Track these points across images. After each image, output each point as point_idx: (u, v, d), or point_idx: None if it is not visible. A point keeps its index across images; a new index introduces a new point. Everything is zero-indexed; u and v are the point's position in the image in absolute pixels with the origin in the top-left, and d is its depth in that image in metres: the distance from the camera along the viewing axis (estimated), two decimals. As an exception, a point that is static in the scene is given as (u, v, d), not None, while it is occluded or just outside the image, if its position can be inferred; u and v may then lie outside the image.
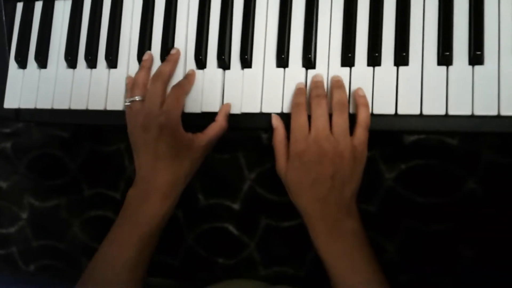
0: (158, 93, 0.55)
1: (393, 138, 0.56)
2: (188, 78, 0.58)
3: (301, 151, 0.49)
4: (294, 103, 0.52)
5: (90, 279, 0.52)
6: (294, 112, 0.52)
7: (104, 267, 0.52)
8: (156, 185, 0.53)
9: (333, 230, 0.48)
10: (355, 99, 0.51)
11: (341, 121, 0.50)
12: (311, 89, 0.53)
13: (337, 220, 0.48)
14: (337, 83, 0.52)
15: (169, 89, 0.57)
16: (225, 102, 0.57)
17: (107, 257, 0.53)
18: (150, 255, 0.54)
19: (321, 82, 0.53)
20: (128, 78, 0.60)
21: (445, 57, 0.50)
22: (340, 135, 0.49)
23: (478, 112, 0.49)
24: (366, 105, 0.51)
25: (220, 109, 0.57)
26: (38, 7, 0.67)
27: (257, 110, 0.56)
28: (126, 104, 0.56)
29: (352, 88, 0.53)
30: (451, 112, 0.50)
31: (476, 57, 0.49)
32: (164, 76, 0.56)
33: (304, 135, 0.50)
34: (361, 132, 0.50)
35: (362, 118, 0.50)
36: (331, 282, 0.49)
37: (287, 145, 0.52)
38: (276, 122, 0.53)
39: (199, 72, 0.59)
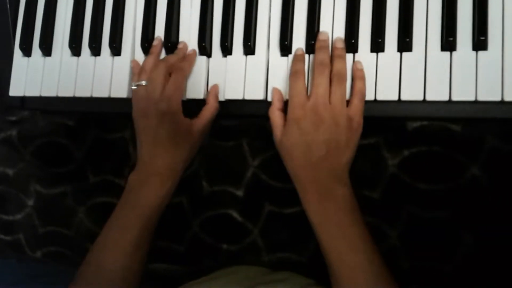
0: (160, 79, 0.55)
1: (397, 124, 0.55)
2: (188, 59, 0.58)
3: (298, 117, 0.50)
4: (293, 70, 0.53)
5: (92, 262, 0.53)
6: (293, 79, 0.52)
7: (105, 250, 0.53)
8: (155, 169, 0.55)
9: (324, 195, 0.49)
10: (353, 72, 0.52)
11: (339, 91, 0.51)
12: (316, 50, 0.53)
13: (328, 186, 0.50)
14: (338, 52, 0.53)
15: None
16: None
17: (108, 240, 0.54)
18: (149, 239, 0.55)
19: (326, 42, 0.53)
20: (133, 61, 0.61)
21: (448, 43, 0.50)
22: (337, 104, 0.50)
23: (482, 97, 0.49)
24: (363, 77, 0.52)
25: (210, 91, 0.58)
26: (42, -5, 0.67)
27: (260, 97, 0.56)
28: (133, 87, 0.57)
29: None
30: (454, 98, 0.50)
31: (480, 42, 0.49)
32: (168, 63, 0.57)
33: (302, 102, 0.51)
34: (357, 103, 0.51)
35: (358, 89, 0.51)
36: (326, 261, 0.50)
37: (283, 117, 0.53)
38: (273, 94, 0.55)
39: (202, 59, 0.59)
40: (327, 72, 0.51)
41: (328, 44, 0.53)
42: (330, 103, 0.50)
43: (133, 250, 0.53)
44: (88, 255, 0.54)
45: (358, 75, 0.52)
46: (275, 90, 0.55)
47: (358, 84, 0.52)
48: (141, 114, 0.56)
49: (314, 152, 0.50)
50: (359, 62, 0.52)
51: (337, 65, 0.52)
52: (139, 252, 0.54)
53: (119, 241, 0.53)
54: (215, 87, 0.58)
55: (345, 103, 0.51)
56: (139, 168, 0.56)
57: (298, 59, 0.54)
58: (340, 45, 0.53)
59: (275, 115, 0.53)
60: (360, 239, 0.48)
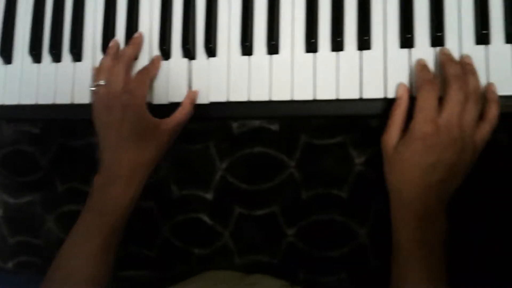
0: (120, 74, 0.54)
1: (361, 122, 0.55)
2: (154, 63, 0.58)
3: (427, 132, 0.45)
4: (424, 80, 0.48)
5: (58, 268, 0.52)
6: (425, 89, 0.47)
7: (71, 256, 0.52)
8: (120, 170, 0.52)
9: (424, 221, 0.45)
10: (487, 95, 0.48)
11: (474, 112, 0.46)
12: (445, 63, 0.48)
13: (433, 213, 0.46)
14: (471, 68, 0.48)
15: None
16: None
17: (74, 246, 0.52)
18: (117, 243, 0.53)
19: (452, 56, 0.49)
20: (95, 67, 0.60)
21: (407, 40, 0.50)
22: (469, 127, 0.46)
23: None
24: (499, 102, 0.47)
25: (187, 95, 0.56)
26: (1, 2, 0.66)
27: (224, 99, 0.55)
28: (92, 89, 0.56)
29: (317, 72, 0.52)
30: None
31: (438, 39, 0.49)
32: (126, 58, 0.56)
33: (434, 116, 0.46)
34: (487, 130, 0.47)
35: (493, 115, 0.47)
36: (392, 270, 0.47)
37: (405, 119, 0.48)
38: (402, 91, 0.49)
39: (164, 63, 0.58)
40: (465, 89, 0.46)
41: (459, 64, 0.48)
42: (462, 124, 0.46)
43: (100, 255, 0.51)
44: (54, 262, 0.53)
45: (493, 99, 0.47)
46: (403, 86, 0.50)
47: (493, 110, 0.47)
48: (103, 111, 0.53)
49: (433, 175, 0.45)
50: (493, 84, 0.48)
51: (473, 82, 0.47)
52: (106, 258, 0.52)
53: (85, 246, 0.51)
54: (194, 92, 0.56)
55: (475, 127, 0.46)
56: (103, 170, 0.54)
57: (426, 68, 0.49)
58: (470, 61, 0.49)
59: (401, 116, 0.48)
60: (441, 275, 0.45)
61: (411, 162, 0.46)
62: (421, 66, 0.49)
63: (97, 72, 0.56)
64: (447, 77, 0.47)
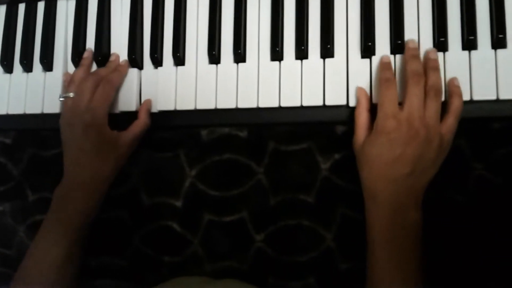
0: (88, 91, 0.55)
1: (327, 129, 0.56)
2: (119, 70, 0.58)
3: (389, 128, 0.47)
4: (384, 78, 0.49)
5: (21, 278, 0.52)
6: (384, 86, 0.49)
7: (33, 266, 0.52)
8: (81, 182, 0.54)
9: (395, 214, 0.46)
10: (449, 88, 0.49)
11: (435, 105, 0.47)
12: (406, 62, 0.50)
13: (403, 207, 0.46)
14: (433, 64, 0.49)
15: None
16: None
17: (36, 255, 0.53)
18: (80, 252, 0.54)
19: (417, 51, 0.50)
20: (65, 74, 0.61)
21: (368, 48, 0.51)
22: (432, 120, 0.46)
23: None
24: (461, 95, 0.49)
25: (141, 106, 0.58)
26: (-28, 14, 0.66)
27: (192, 107, 0.56)
28: (60, 99, 0.57)
29: (281, 80, 0.54)
30: (376, 101, 0.51)
31: (397, 47, 0.51)
32: (98, 76, 0.57)
33: (395, 111, 0.47)
34: (452, 121, 0.48)
35: (455, 107, 0.48)
36: (368, 277, 0.48)
37: (370, 121, 0.50)
38: (359, 93, 0.51)
39: (134, 71, 0.59)
40: (422, 83, 0.47)
41: (419, 53, 0.51)
42: (424, 116, 0.47)
43: (62, 264, 0.52)
44: (17, 272, 0.53)
45: (456, 92, 0.49)
46: (360, 89, 0.51)
47: (455, 102, 0.48)
48: (66, 125, 0.55)
49: (400, 167, 0.46)
50: (455, 78, 0.50)
51: (432, 77, 0.48)
52: (69, 267, 0.53)
53: (46, 257, 0.52)
54: (147, 102, 0.58)
55: (439, 119, 0.47)
56: (64, 180, 0.55)
57: (386, 67, 0.51)
58: (434, 56, 0.50)
59: (363, 116, 0.50)
60: (414, 270, 0.46)
61: (377, 157, 0.47)
62: (382, 64, 0.51)
63: (68, 84, 0.57)
64: (407, 73, 0.49)
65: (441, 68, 0.50)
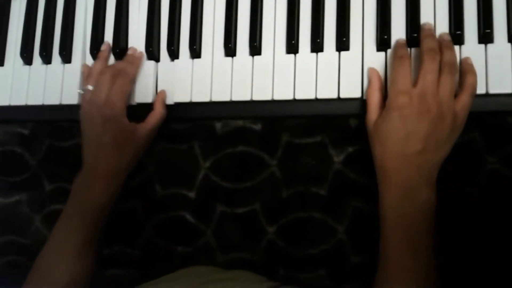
0: (106, 84, 0.56)
1: (340, 122, 0.57)
2: (133, 62, 0.59)
3: (402, 103, 0.46)
4: (398, 55, 0.49)
5: (40, 266, 0.54)
6: (397, 63, 0.49)
7: (52, 254, 0.54)
8: (100, 172, 0.55)
9: (406, 191, 0.46)
10: (463, 66, 0.49)
11: (450, 82, 0.46)
12: (423, 39, 0.50)
13: (415, 183, 0.46)
14: (448, 43, 0.49)
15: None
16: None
17: (56, 244, 0.54)
18: (97, 242, 0.56)
19: (432, 31, 0.50)
20: (84, 66, 0.62)
21: (384, 41, 0.52)
22: (445, 96, 0.46)
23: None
24: (474, 72, 0.48)
25: (156, 97, 0.59)
26: (-6, 6, 0.68)
27: (207, 99, 0.57)
28: (79, 92, 0.58)
29: (296, 73, 0.54)
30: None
31: (413, 40, 0.51)
32: (115, 69, 0.58)
33: (408, 87, 0.47)
34: (465, 98, 0.47)
35: (469, 84, 0.48)
36: (380, 257, 0.48)
37: (382, 99, 0.50)
38: (371, 73, 0.51)
39: (151, 64, 0.60)
40: (438, 59, 0.47)
41: (435, 34, 0.51)
42: (438, 92, 0.46)
43: (80, 253, 0.53)
44: (37, 260, 0.55)
45: (469, 69, 0.48)
46: (372, 69, 0.52)
47: (469, 79, 0.48)
48: (86, 118, 0.57)
49: (412, 144, 0.46)
50: (468, 57, 0.50)
51: (447, 54, 0.48)
52: (86, 255, 0.54)
53: (66, 244, 0.54)
54: (162, 93, 0.59)
55: (453, 97, 0.47)
56: (84, 170, 0.57)
57: (401, 45, 0.51)
58: (448, 37, 0.50)
59: (375, 96, 0.50)
60: (425, 250, 0.45)
61: (389, 133, 0.47)
62: (398, 43, 0.51)
63: (87, 76, 0.58)
64: (422, 50, 0.48)
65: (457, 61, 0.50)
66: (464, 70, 0.49)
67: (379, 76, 0.51)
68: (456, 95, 0.47)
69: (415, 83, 0.47)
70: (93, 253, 0.55)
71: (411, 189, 0.46)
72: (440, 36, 0.50)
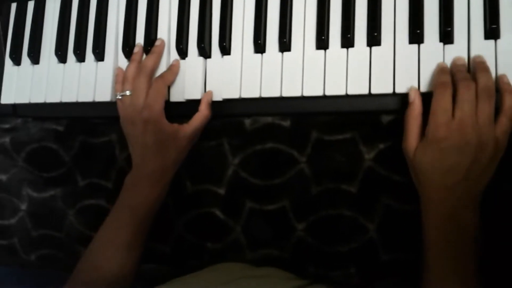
0: (142, 88, 0.57)
1: (371, 118, 0.56)
2: (172, 69, 0.60)
3: (441, 137, 0.46)
4: (440, 82, 0.48)
5: (88, 261, 0.56)
6: (439, 92, 0.47)
7: (101, 249, 0.56)
8: (145, 173, 0.57)
9: (449, 214, 0.46)
10: (500, 86, 0.47)
11: (488, 108, 0.45)
12: (455, 72, 0.48)
13: (458, 207, 0.46)
14: (482, 65, 0.48)
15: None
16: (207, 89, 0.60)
17: (104, 239, 0.57)
18: (143, 238, 0.58)
19: (464, 66, 0.49)
20: (118, 69, 0.63)
21: (416, 35, 0.50)
22: (485, 124, 0.45)
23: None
24: (511, 91, 0.47)
25: (202, 98, 0.59)
26: (31, 6, 0.70)
27: (236, 96, 0.57)
28: (118, 98, 0.59)
29: (327, 69, 0.54)
30: (423, 90, 0.50)
31: (447, 34, 0.50)
32: (147, 70, 0.59)
33: (447, 120, 0.46)
34: (505, 122, 0.46)
35: (508, 107, 0.46)
36: (424, 276, 0.48)
37: (420, 122, 0.49)
38: (414, 96, 0.50)
39: (183, 62, 0.61)
40: (473, 88, 0.46)
41: (466, 68, 0.49)
42: (476, 121, 0.45)
43: (128, 249, 0.55)
44: (84, 254, 0.57)
45: (507, 89, 0.47)
46: (415, 90, 0.50)
47: (507, 101, 0.46)
48: (128, 122, 0.58)
49: (453, 176, 0.46)
50: (505, 75, 0.48)
51: (483, 78, 0.46)
52: (133, 251, 0.56)
53: (114, 240, 0.56)
54: (208, 94, 0.59)
55: (493, 123, 0.46)
56: (133, 170, 0.58)
57: (444, 70, 0.49)
58: (481, 59, 0.49)
59: (416, 122, 0.49)
60: (467, 273, 0.46)
61: (429, 166, 0.47)
62: (439, 68, 0.50)
63: (123, 81, 0.60)
64: (456, 81, 0.47)
65: (492, 57, 0.49)
66: (502, 90, 0.47)
67: (420, 100, 0.49)
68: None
69: (453, 111, 0.46)
70: (141, 247, 0.57)
71: (453, 211, 0.46)
72: (473, 59, 0.49)
